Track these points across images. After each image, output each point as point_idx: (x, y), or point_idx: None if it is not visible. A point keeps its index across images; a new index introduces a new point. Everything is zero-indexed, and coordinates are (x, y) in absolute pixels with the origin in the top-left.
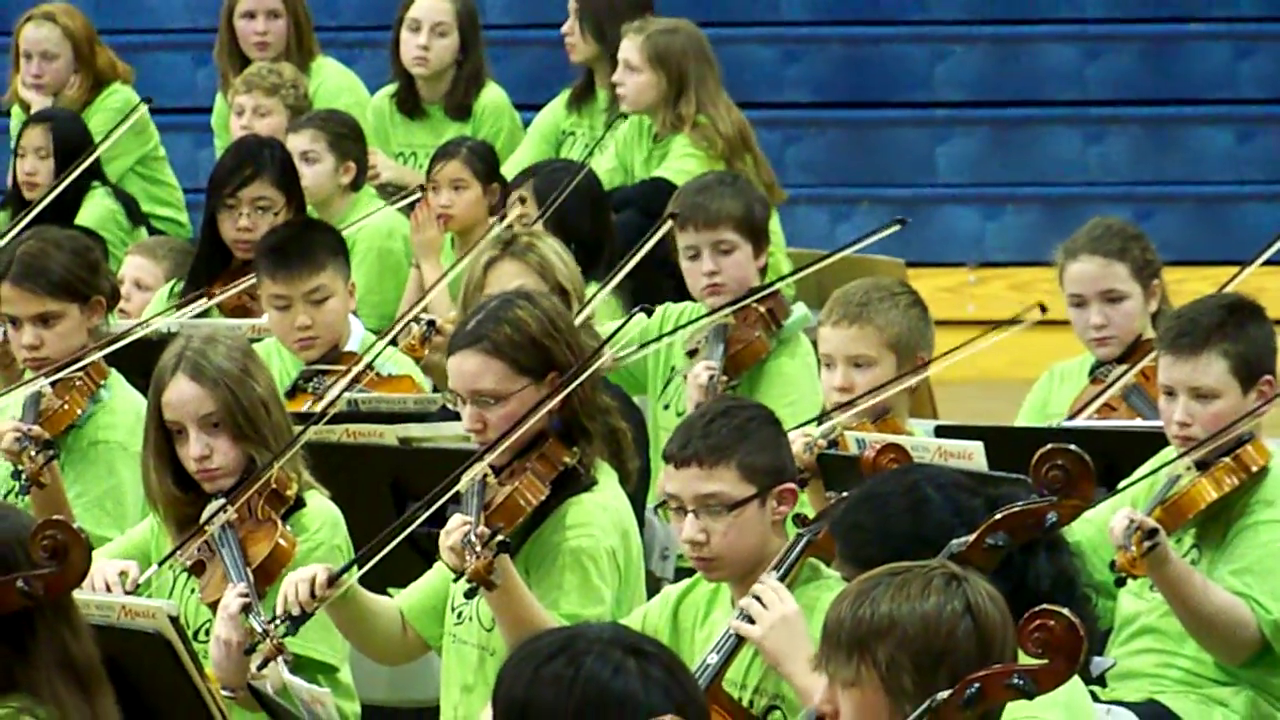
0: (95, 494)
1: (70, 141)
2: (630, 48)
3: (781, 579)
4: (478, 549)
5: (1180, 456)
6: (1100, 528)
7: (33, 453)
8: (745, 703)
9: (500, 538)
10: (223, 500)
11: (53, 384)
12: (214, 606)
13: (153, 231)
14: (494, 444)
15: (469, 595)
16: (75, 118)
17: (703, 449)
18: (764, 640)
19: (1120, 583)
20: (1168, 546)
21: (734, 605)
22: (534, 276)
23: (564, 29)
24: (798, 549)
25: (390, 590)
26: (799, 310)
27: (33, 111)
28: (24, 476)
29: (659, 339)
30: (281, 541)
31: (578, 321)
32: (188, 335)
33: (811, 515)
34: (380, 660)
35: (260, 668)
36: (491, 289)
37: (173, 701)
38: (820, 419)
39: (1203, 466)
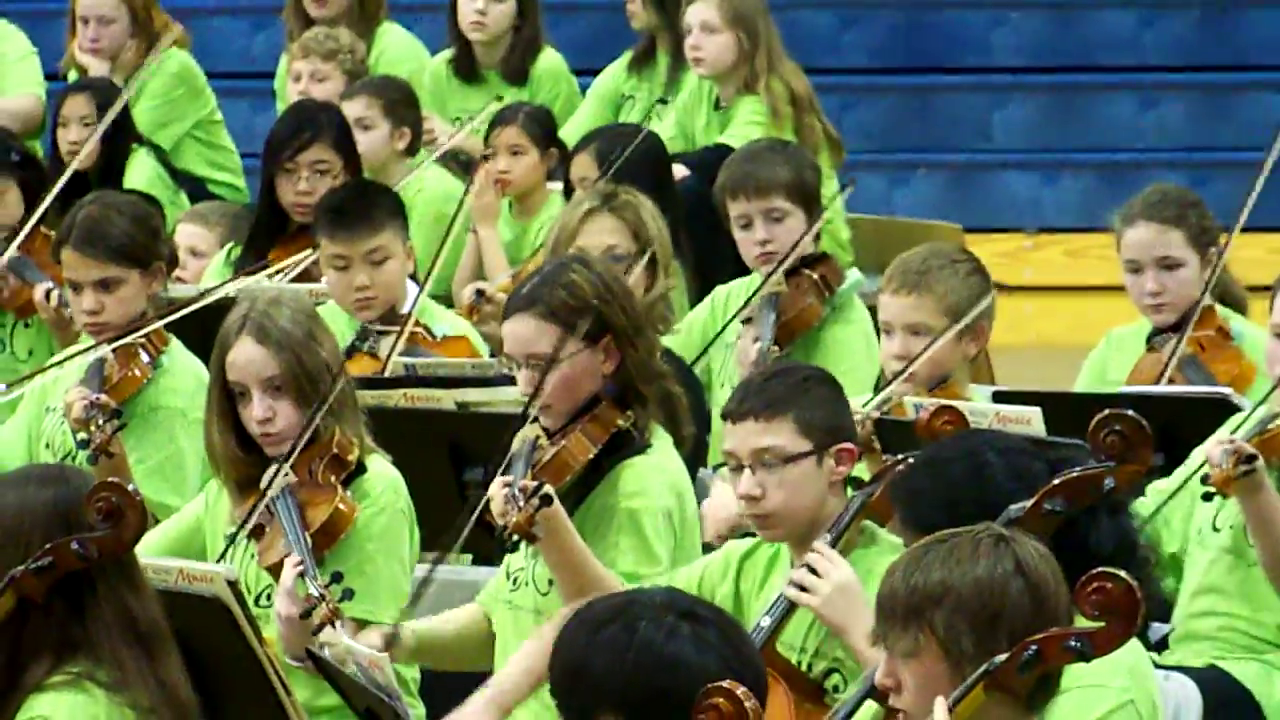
0: (155, 461)
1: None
2: (706, 9)
3: (835, 541)
4: (520, 502)
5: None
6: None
7: (100, 421)
8: (803, 666)
9: (544, 490)
10: (282, 463)
11: (114, 351)
12: (273, 570)
13: (205, 195)
14: (531, 398)
15: (511, 549)
16: (114, 85)
17: (760, 403)
18: (822, 609)
19: (1208, 497)
20: (1264, 476)
21: (792, 569)
22: (627, 235)
23: None
24: (852, 511)
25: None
26: (853, 275)
27: (90, 75)
28: (92, 446)
29: (722, 330)
30: (341, 506)
31: (656, 293)
32: (252, 298)
33: (867, 479)
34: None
35: (316, 631)
36: (583, 241)
37: (231, 666)
38: (877, 388)
39: None
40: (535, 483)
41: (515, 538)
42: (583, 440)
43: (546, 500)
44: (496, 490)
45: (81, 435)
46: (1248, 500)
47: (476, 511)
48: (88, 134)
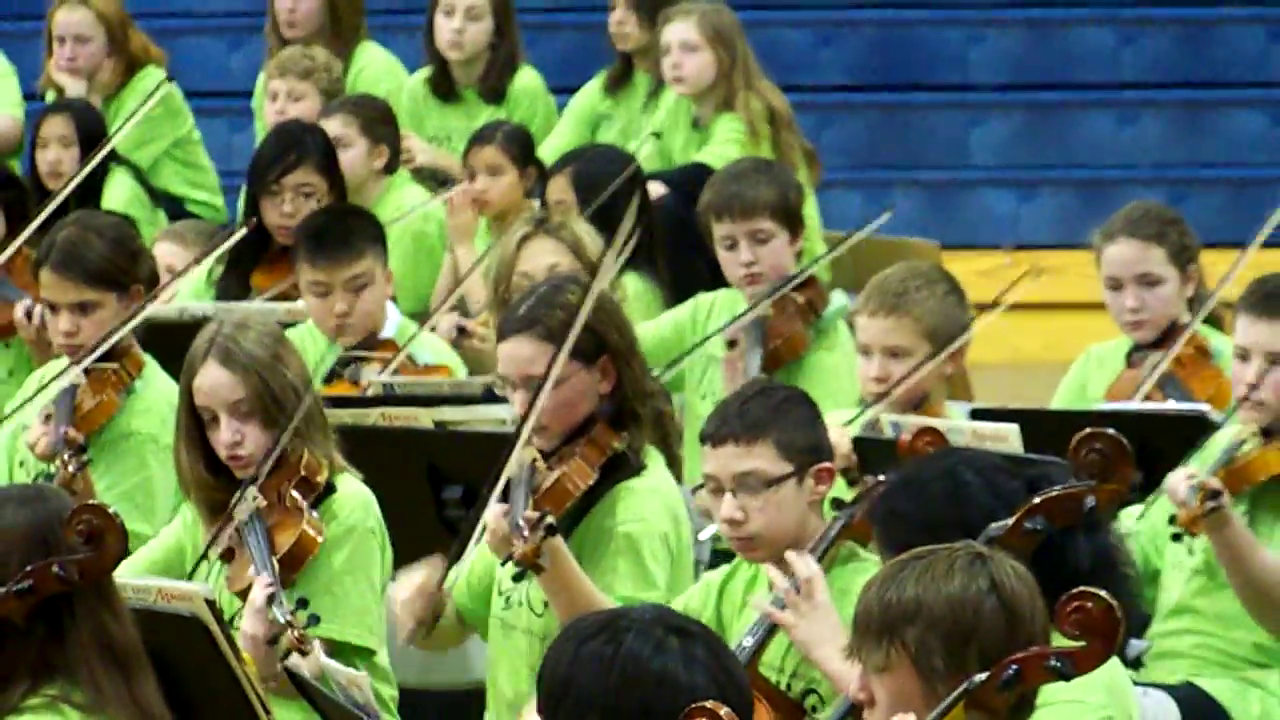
0: (125, 487)
1: (92, 128)
2: (686, 28)
3: (817, 561)
4: (525, 532)
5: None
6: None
7: (65, 457)
8: (782, 686)
9: (548, 520)
10: (249, 487)
11: (86, 375)
12: (242, 594)
13: (183, 214)
14: (521, 424)
15: (516, 579)
16: (91, 105)
17: (739, 427)
18: (796, 627)
19: (1177, 538)
20: (1230, 509)
21: (770, 588)
22: (567, 256)
23: (614, 19)
24: (834, 531)
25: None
26: (838, 299)
27: (67, 95)
28: (56, 482)
29: (703, 341)
30: (308, 529)
31: None
32: (219, 320)
33: (849, 499)
34: (436, 650)
35: (284, 658)
36: (524, 267)
37: (209, 685)
38: (854, 421)
39: (1268, 434)
40: (539, 513)
41: (521, 569)
42: (582, 465)
43: (551, 530)
44: (496, 519)
45: (45, 469)
46: (1215, 535)
47: (476, 538)
48: (67, 154)
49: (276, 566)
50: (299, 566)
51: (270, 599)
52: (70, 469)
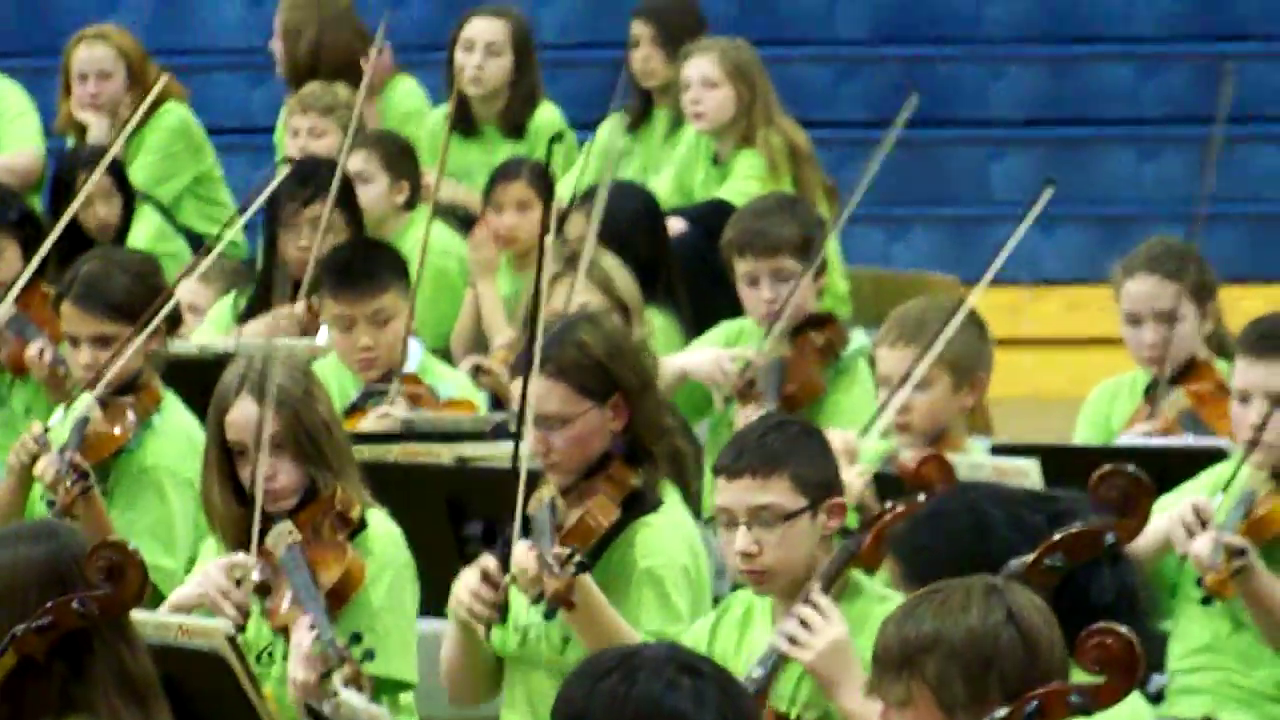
0: (146, 522)
1: (120, 174)
2: (706, 64)
3: (825, 591)
4: (556, 569)
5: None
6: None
7: (68, 483)
8: (794, 717)
9: (579, 557)
10: (288, 523)
11: (103, 407)
12: (282, 630)
13: (199, 247)
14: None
15: (548, 616)
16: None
17: (756, 460)
18: (814, 665)
19: (1207, 601)
20: (1255, 561)
21: (775, 620)
22: (596, 293)
23: (639, 56)
24: (841, 560)
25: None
26: (858, 339)
27: (90, 134)
28: (57, 507)
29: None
30: (352, 566)
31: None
32: (249, 355)
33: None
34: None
35: (344, 686)
36: (554, 304)
37: None
38: (866, 430)
39: (1278, 478)
40: (569, 549)
41: (552, 606)
42: (605, 502)
43: (583, 567)
44: (526, 557)
45: (49, 496)
46: (1244, 587)
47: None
48: (106, 208)
49: (323, 601)
50: (345, 601)
51: (317, 638)
52: (73, 494)
